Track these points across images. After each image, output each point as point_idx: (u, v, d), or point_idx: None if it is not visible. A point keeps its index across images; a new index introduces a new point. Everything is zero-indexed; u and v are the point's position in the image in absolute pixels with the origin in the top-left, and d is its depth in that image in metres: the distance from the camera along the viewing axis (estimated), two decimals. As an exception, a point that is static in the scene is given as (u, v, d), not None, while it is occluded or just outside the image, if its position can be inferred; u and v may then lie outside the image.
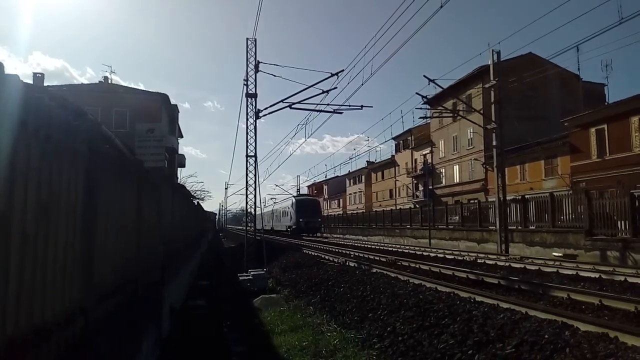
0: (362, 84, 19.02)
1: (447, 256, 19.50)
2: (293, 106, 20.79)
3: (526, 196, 23.76)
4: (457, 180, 45.25)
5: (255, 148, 21.61)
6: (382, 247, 27.70)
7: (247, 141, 21.59)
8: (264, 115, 21.37)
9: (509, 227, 22.22)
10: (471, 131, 39.95)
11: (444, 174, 48.23)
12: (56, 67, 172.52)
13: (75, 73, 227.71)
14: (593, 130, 28.32)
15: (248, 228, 23.98)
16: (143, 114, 27.74)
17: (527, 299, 8.89)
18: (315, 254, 22.14)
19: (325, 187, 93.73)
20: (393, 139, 59.18)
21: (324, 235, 55.99)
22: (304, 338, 7.58)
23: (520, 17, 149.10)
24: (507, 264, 15.47)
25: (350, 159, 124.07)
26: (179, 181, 30.62)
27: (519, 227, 22.75)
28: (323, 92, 20.52)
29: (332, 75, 19.89)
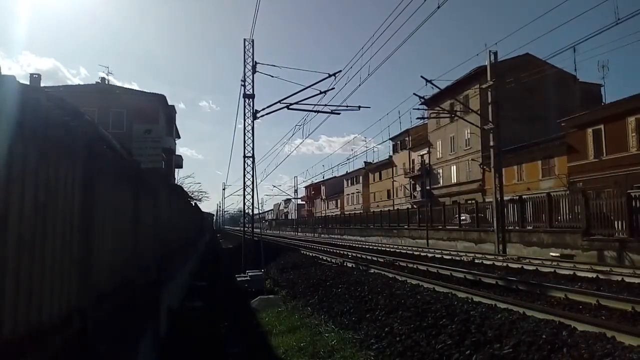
0: (360, 85, 19.05)
1: (445, 257, 19.55)
2: (290, 107, 20.76)
3: (523, 196, 23.80)
4: (455, 181, 45.32)
5: (252, 149, 21.60)
6: (379, 248, 27.74)
7: (244, 142, 21.55)
8: (261, 116, 21.31)
9: (507, 228, 22.28)
10: (468, 132, 40.01)
11: (441, 174, 48.27)
12: (48, 67, 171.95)
13: (68, 73, 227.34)
14: (590, 130, 28.42)
15: (246, 229, 23.95)
16: (140, 115, 27.69)
17: (524, 299, 8.93)
18: (313, 255, 22.15)
19: (323, 187, 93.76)
20: (391, 139, 59.29)
21: (322, 235, 56.02)
22: (302, 339, 7.57)
23: (517, 18, 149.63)
24: (505, 264, 15.51)
25: (348, 159, 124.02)
26: (176, 182, 30.58)
27: (517, 228, 22.80)
28: (320, 92, 20.50)
29: (330, 75, 19.87)
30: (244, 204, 22.23)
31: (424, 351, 6.12)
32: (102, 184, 3.71)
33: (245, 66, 21.06)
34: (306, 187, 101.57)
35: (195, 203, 28.73)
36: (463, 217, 29.39)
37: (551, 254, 18.47)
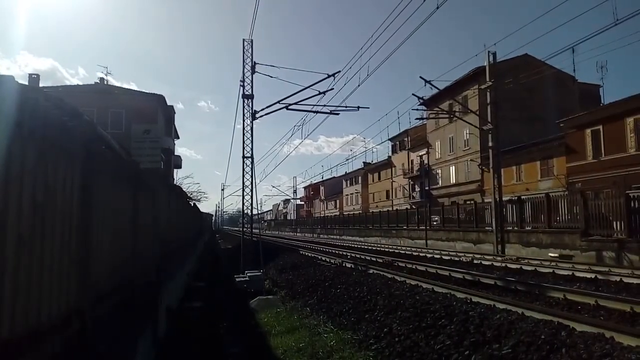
0: (359, 85, 19.04)
1: (444, 257, 19.55)
2: (290, 107, 20.75)
3: (522, 197, 23.83)
4: (454, 181, 45.34)
5: (251, 149, 21.60)
6: (378, 248, 27.73)
7: (243, 142, 21.55)
8: (260, 117, 21.31)
9: (505, 228, 22.30)
10: (467, 132, 40.03)
11: (440, 174, 48.29)
12: (46, 67, 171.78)
13: (66, 73, 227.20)
14: (588, 131, 28.45)
15: (245, 229, 23.94)
16: (139, 115, 27.64)
17: (523, 299, 8.93)
18: (312, 255, 22.14)
19: (322, 188, 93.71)
20: (390, 140, 59.32)
21: (321, 236, 56.02)
22: (301, 339, 7.56)
23: (516, 19, 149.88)
24: (504, 264, 15.52)
25: (347, 160, 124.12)
26: (175, 182, 30.53)
27: (515, 228, 22.82)
28: (320, 93, 20.47)
29: (329, 76, 19.84)
30: (243, 204, 22.24)
31: (423, 351, 6.12)
32: (100, 184, 3.71)
33: (244, 66, 21.08)
34: (305, 188, 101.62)
35: (194, 203, 28.70)
36: (436, 219, 31.62)
37: (550, 254, 18.49)
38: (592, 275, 11.81)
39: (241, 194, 21.79)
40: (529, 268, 14.17)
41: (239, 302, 11.83)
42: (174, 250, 10.55)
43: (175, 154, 41.73)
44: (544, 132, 33.88)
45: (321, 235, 56.71)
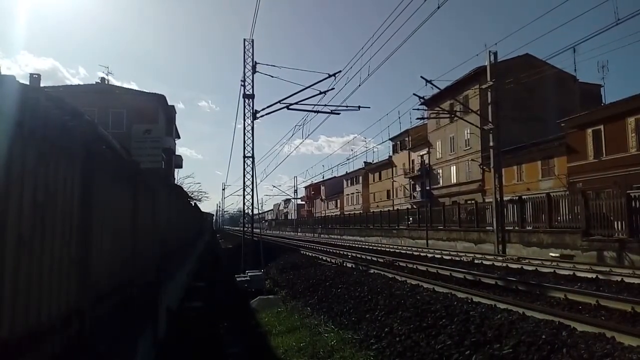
0: (360, 85, 19.02)
1: (445, 257, 19.54)
2: (290, 107, 20.74)
3: (523, 197, 23.81)
4: (454, 181, 45.32)
5: (252, 149, 21.59)
6: (379, 248, 27.73)
7: (244, 142, 21.54)
8: (261, 116, 21.29)
9: (506, 228, 22.28)
10: (468, 132, 40.00)
11: (441, 174, 48.27)
12: (47, 67, 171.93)
13: (67, 73, 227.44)
14: (589, 131, 28.42)
15: (245, 229, 23.94)
16: (140, 115, 27.65)
17: (524, 299, 8.92)
18: (313, 255, 22.13)
19: (322, 188, 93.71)
20: (390, 139, 59.29)
21: (321, 235, 56.02)
22: (302, 339, 7.56)
23: (517, 18, 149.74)
24: (505, 264, 15.51)
25: (348, 159, 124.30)
26: (176, 182, 30.56)
27: (516, 228, 22.80)
28: (320, 92, 20.46)
29: (330, 76, 19.83)
30: (244, 204, 22.22)
31: (423, 351, 6.11)
32: (101, 184, 3.70)
33: (245, 66, 21.06)
34: (306, 187, 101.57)
35: (194, 203, 28.73)
36: (410, 219, 34.35)
37: (551, 254, 18.47)
38: (593, 275, 11.79)
39: (242, 194, 21.80)
40: (530, 268, 14.16)
41: (240, 302, 11.83)
42: (174, 250, 10.55)
43: (176, 153, 41.75)
44: (545, 132, 33.86)
45: (322, 235, 56.71)
